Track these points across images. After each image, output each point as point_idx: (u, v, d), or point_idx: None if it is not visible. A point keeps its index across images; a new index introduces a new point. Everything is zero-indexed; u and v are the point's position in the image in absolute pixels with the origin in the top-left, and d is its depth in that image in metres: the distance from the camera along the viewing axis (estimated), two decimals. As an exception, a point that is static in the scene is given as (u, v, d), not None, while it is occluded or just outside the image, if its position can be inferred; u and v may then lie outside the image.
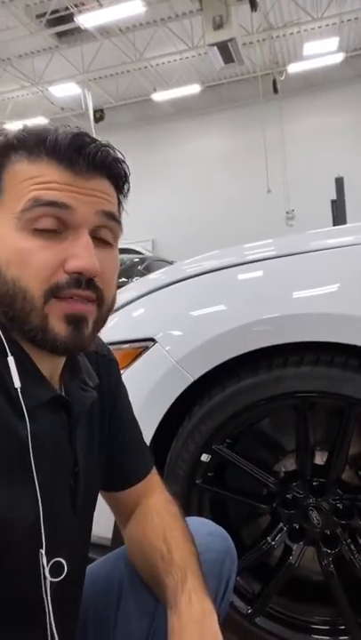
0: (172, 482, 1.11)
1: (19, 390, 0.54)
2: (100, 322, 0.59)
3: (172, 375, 1.10)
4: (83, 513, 0.65)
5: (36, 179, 0.53)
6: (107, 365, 0.75)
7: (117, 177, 0.59)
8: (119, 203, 0.61)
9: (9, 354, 0.54)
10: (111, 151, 0.57)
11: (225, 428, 1.11)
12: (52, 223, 0.54)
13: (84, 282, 0.54)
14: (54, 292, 0.54)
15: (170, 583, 0.65)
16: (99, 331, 0.60)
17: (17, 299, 0.53)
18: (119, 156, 0.58)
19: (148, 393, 1.11)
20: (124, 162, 0.59)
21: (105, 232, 0.58)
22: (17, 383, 0.54)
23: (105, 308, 0.59)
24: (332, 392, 1.03)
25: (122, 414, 0.76)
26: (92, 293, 0.56)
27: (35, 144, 0.54)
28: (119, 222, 0.59)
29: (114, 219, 0.58)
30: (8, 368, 0.55)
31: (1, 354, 0.55)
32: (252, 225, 10.87)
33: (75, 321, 0.55)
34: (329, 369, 1.02)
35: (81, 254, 0.54)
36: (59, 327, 0.54)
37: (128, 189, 0.61)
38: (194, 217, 11.57)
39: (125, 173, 0.59)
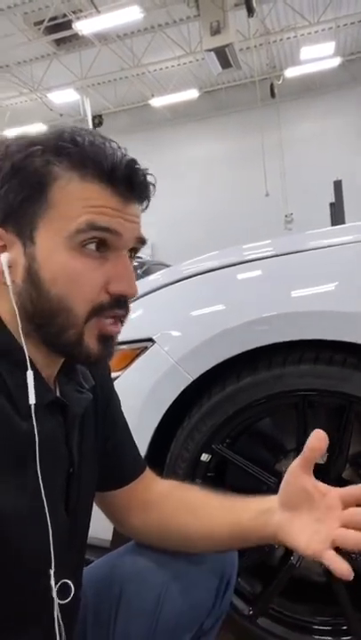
0: (172, 482, 1.11)
1: (32, 407, 0.55)
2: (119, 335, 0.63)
3: (171, 375, 1.09)
4: (75, 515, 0.65)
5: (89, 201, 0.55)
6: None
7: (148, 199, 0.62)
8: None
9: (29, 367, 0.56)
10: (150, 177, 0.60)
11: (225, 428, 1.10)
12: (100, 245, 0.57)
13: (123, 302, 0.59)
14: (97, 312, 0.57)
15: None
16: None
17: (60, 315, 0.56)
18: (153, 180, 0.61)
19: (148, 393, 1.10)
20: (154, 185, 0.62)
21: (133, 252, 0.62)
22: (32, 399, 0.55)
23: (125, 322, 0.62)
24: (332, 390, 1.03)
25: (115, 414, 0.77)
26: (125, 313, 0.60)
27: (90, 164, 0.55)
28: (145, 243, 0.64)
29: (144, 242, 0.63)
30: (8, 369, 0.55)
31: (2, 356, 0.56)
32: (251, 229, 10.83)
33: (106, 340, 0.59)
34: (328, 367, 1.02)
35: (124, 278, 0.58)
36: (92, 344, 0.58)
37: (147, 206, 0.63)
38: (193, 221, 11.58)
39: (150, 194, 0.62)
